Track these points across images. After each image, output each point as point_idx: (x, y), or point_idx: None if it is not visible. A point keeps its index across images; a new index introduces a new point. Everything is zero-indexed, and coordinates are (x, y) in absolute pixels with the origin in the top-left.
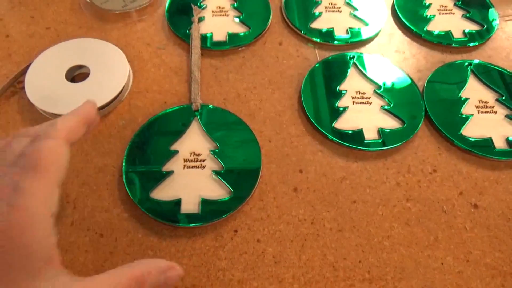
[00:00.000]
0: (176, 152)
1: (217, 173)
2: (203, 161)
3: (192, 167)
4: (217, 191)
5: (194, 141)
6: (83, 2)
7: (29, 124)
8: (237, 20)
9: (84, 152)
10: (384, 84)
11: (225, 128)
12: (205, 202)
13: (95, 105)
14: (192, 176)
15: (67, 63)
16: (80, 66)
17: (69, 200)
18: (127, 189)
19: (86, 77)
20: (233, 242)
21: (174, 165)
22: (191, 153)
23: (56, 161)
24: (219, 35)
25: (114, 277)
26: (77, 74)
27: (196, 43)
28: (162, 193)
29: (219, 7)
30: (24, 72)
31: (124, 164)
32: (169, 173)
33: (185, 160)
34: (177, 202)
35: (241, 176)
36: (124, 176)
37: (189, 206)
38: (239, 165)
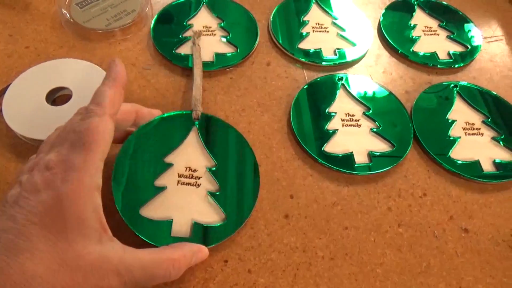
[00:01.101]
0: (170, 165)
1: (212, 194)
2: (199, 178)
3: (186, 183)
4: (211, 216)
5: (191, 155)
6: (64, 21)
7: (7, 151)
8: (224, 40)
9: None
10: (373, 106)
11: (225, 144)
12: (197, 226)
13: (122, 64)
14: (185, 194)
15: (47, 85)
16: (62, 88)
17: None
18: (115, 202)
19: (68, 99)
20: (223, 273)
21: (167, 180)
22: (186, 168)
23: (102, 138)
24: (206, 56)
25: (157, 254)
26: (58, 96)
27: (198, 61)
28: (153, 211)
29: (206, 27)
30: (1, 94)
31: (113, 173)
32: (162, 188)
33: (179, 175)
34: (168, 223)
35: (238, 199)
36: (112, 185)
37: (181, 228)
38: (236, 186)
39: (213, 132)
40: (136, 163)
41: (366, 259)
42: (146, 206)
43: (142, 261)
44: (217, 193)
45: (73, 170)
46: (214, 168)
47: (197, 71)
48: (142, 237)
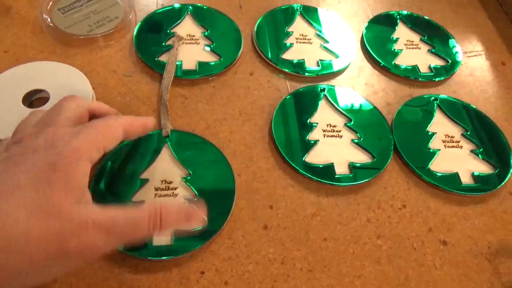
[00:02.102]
0: (146, 180)
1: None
2: (175, 189)
3: (163, 195)
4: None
5: (165, 168)
6: (45, 26)
7: None
8: (207, 48)
9: None
10: (354, 117)
11: (197, 154)
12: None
13: (153, 123)
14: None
15: (25, 87)
16: (39, 91)
17: None
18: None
19: (45, 102)
20: (199, 285)
21: (144, 195)
22: (162, 181)
23: (112, 136)
24: (189, 64)
25: (137, 210)
26: (35, 99)
27: (171, 67)
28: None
29: (190, 35)
30: None
31: (90, 193)
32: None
33: (156, 189)
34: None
35: (215, 202)
36: None
37: (161, 238)
38: (212, 191)
39: (184, 145)
40: (112, 182)
41: (345, 271)
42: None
43: (122, 216)
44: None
45: (76, 139)
46: (189, 177)
47: (166, 83)
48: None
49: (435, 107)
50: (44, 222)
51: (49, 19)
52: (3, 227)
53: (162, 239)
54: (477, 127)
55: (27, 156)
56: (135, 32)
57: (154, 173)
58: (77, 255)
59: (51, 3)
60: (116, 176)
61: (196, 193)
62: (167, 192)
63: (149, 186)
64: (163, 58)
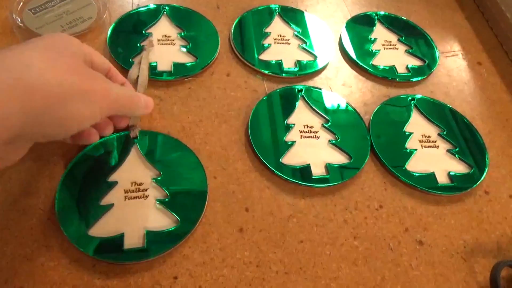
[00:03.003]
0: (115, 183)
1: (161, 202)
2: (146, 190)
3: (134, 197)
4: (163, 221)
5: (135, 170)
6: (16, 26)
7: None
8: (183, 49)
9: (7, 192)
10: (331, 118)
11: (167, 154)
12: (150, 234)
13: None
14: (134, 208)
15: None
16: None
17: None
18: (63, 229)
19: None
20: None
21: (113, 197)
22: (132, 183)
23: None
24: (164, 65)
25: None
26: None
27: (144, 66)
28: (102, 229)
29: (165, 36)
30: None
31: (56, 202)
32: (108, 206)
33: (126, 191)
34: (120, 237)
35: (187, 202)
36: (57, 215)
37: (133, 240)
38: (184, 190)
39: (154, 145)
40: (79, 187)
41: (321, 273)
42: (94, 226)
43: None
44: (166, 200)
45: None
46: (159, 178)
47: (140, 88)
48: (94, 256)
49: (412, 107)
50: (58, 63)
51: (19, 19)
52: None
53: (134, 242)
54: (454, 127)
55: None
56: (108, 33)
57: (122, 175)
58: (93, 99)
59: (22, 3)
60: (83, 181)
61: (168, 194)
62: (137, 194)
63: (118, 188)
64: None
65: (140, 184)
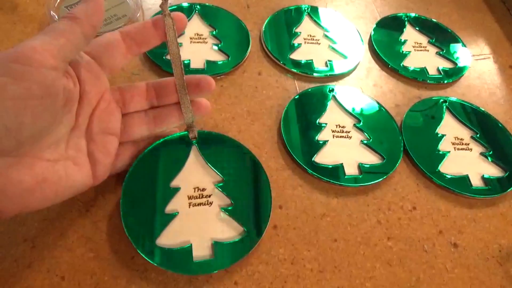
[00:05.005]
0: (178, 189)
1: (225, 210)
2: (209, 196)
3: (198, 204)
4: (228, 232)
5: (196, 174)
6: (53, 23)
7: None
8: (215, 48)
9: None
10: (363, 118)
11: (227, 158)
12: (217, 245)
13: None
14: (199, 216)
15: None
16: None
17: (27, 237)
18: (131, 239)
19: None
20: (208, 284)
21: (177, 204)
22: (195, 189)
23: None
24: (197, 63)
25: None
26: None
27: (174, 49)
28: (169, 239)
29: (198, 34)
30: None
31: (121, 210)
32: (174, 214)
33: (189, 197)
34: (188, 248)
35: (251, 209)
36: (123, 222)
37: (202, 251)
38: (247, 197)
39: (214, 148)
40: (142, 194)
41: (356, 272)
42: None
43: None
44: (230, 208)
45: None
46: (221, 184)
47: (178, 75)
48: (164, 268)
49: (444, 109)
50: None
51: (56, 16)
52: None
53: (202, 253)
54: (486, 130)
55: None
56: None
57: (185, 180)
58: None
59: (58, 0)
60: (145, 188)
61: (232, 202)
62: (201, 201)
63: (181, 194)
64: None
65: (203, 189)
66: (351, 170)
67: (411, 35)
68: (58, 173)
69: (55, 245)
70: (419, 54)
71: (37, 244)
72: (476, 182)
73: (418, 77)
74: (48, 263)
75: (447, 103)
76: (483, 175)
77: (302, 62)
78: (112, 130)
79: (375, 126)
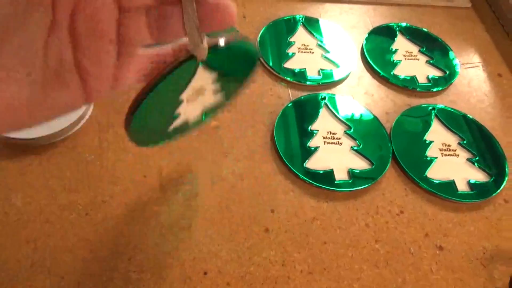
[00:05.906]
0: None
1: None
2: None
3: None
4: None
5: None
6: None
7: None
8: None
9: (49, 188)
10: (354, 125)
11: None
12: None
13: None
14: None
15: None
16: None
17: (30, 239)
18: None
19: None
20: (202, 285)
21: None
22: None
23: None
24: None
25: None
26: None
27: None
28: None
29: None
30: None
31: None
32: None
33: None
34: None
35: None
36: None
37: (341, 174)
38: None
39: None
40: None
41: (344, 274)
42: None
43: None
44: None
45: None
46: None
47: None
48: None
49: (432, 117)
50: None
51: None
52: None
53: (341, 176)
54: (474, 136)
55: None
56: None
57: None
58: None
59: None
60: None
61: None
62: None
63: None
64: None
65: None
66: (341, 175)
67: (402, 44)
68: (33, 94)
69: (56, 246)
70: (410, 63)
71: (39, 245)
72: (462, 187)
73: (409, 85)
74: (49, 264)
75: (435, 111)
76: (469, 180)
77: (296, 70)
78: (105, 31)
79: (365, 133)
